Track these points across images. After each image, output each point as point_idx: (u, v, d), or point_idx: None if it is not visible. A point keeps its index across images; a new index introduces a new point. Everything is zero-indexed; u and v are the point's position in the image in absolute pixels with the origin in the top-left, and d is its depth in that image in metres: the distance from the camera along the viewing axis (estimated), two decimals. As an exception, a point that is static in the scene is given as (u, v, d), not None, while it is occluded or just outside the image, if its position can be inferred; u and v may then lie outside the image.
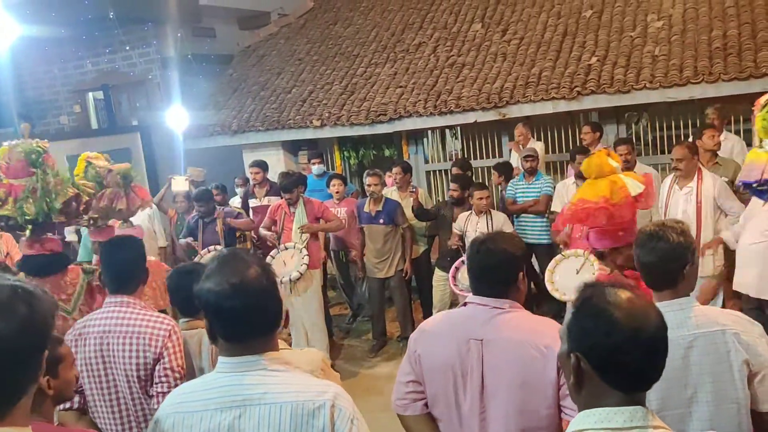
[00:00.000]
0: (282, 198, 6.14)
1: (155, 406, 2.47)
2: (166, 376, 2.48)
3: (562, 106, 7.06)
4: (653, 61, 6.86)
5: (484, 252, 2.23)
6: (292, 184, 5.92)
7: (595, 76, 6.95)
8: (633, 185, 3.49)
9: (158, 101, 11.36)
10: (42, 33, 9.90)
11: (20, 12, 8.80)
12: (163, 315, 2.57)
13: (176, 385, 2.42)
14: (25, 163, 3.31)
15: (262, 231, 6.27)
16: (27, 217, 3.21)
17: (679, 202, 5.09)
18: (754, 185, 3.74)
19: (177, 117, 8.61)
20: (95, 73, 12.21)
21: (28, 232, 3.32)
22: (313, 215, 5.97)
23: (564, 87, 6.98)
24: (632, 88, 6.66)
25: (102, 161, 3.78)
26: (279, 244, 5.91)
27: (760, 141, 3.74)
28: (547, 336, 2.11)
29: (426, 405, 2.28)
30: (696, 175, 5.03)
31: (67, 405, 2.55)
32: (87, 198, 3.51)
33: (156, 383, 2.49)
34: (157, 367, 2.48)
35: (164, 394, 2.45)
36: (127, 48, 11.62)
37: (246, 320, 1.59)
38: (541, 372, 2.08)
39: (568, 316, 1.46)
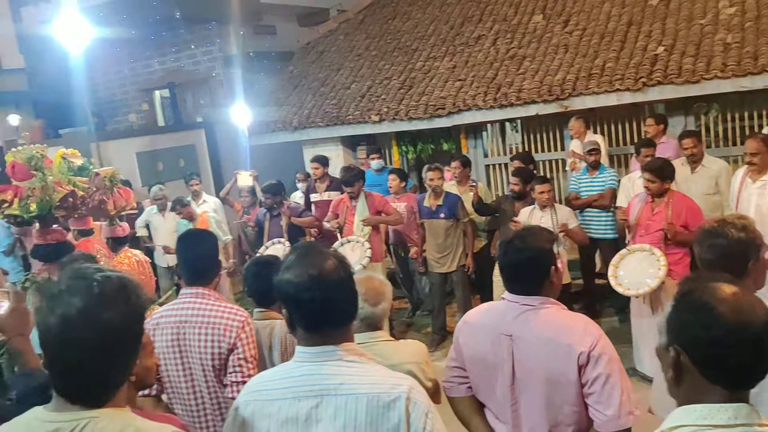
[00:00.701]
0: (342, 193, 6.23)
1: (229, 395, 2.56)
2: (240, 365, 2.56)
3: (627, 98, 6.87)
4: (725, 50, 6.59)
5: (512, 251, 2.29)
6: (353, 178, 6.02)
7: (661, 67, 6.73)
8: None
9: (221, 98, 11.67)
10: (114, 34, 10.31)
11: (95, 15, 9.21)
12: (237, 306, 2.66)
13: (249, 375, 2.52)
14: (27, 167, 3.70)
15: (326, 223, 6.36)
16: (32, 214, 3.61)
17: (752, 195, 4.91)
18: None
19: (240, 113, 8.84)
20: (162, 71, 12.63)
21: (37, 225, 3.75)
22: (374, 209, 6.04)
23: (629, 78, 6.79)
24: (702, 78, 6.42)
25: (80, 160, 4.07)
26: (341, 237, 6.00)
27: None
28: (573, 335, 2.15)
29: (469, 388, 2.41)
30: None
31: (146, 391, 2.67)
32: (82, 193, 3.87)
33: (230, 372, 2.57)
34: (231, 357, 2.56)
35: (238, 383, 2.54)
36: (192, 47, 11.98)
37: (324, 311, 1.63)
38: (563, 369, 2.13)
39: (667, 308, 1.44)
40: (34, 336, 1.59)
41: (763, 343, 1.33)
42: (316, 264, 1.64)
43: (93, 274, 1.42)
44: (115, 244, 4.87)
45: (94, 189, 3.95)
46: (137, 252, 4.90)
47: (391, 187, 6.78)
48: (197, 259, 2.69)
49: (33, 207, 3.61)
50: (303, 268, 1.64)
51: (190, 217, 6.92)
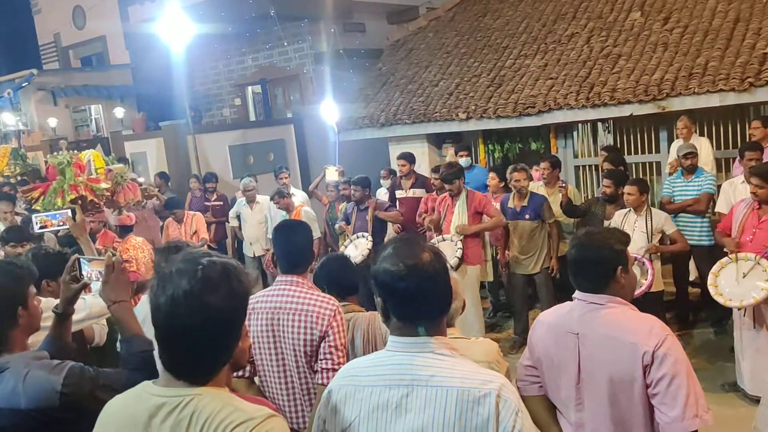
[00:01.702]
0: (429, 191, 6.22)
1: (319, 381, 2.63)
2: (330, 353, 2.63)
3: (731, 99, 6.51)
4: (843, 48, 6.14)
5: (580, 247, 2.32)
6: (452, 176, 5.92)
7: (771, 66, 6.35)
8: None
9: (311, 95, 11.94)
10: (212, 31, 10.76)
11: (195, 13, 9.64)
12: (328, 296, 2.73)
13: (339, 363, 2.58)
14: (56, 171, 4.56)
15: (424, 219, 6.33)
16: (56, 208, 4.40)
17: None
18: None
19: (329, 110, 9.02)
20: (254, 68, 13.06)
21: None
22: (473, 209, 5.92)
23: (734, 78, 6.44)
24: (816, 78, 6.01)
25: (100, 162, 4.89)
26: (437, 235, 5.97)
27: None
28: (637, 334, 2.15)
29: (541, 387, 2.42)
30: None
31: (239, 373, 2.78)
32: (91, 197, 4.63)
33: (321, 359, 2.64)
34: (322, 344, 2.63)
35: (327, 370, 2.61)
36: (284, 44, 12.31)
37: (418, 301, 1.65)
38: (626, 369, 2.13)
39: None
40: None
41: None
42: (413, 255, 1.66)
43: (200, 259, 1.50)
44: (122, 231, 5.72)
45: (108, 187, 4.75)
46: (139, 239, 5.72)
47: (489, 186, 6.73)
48: (293, 249, 2.78)
49: (56, 202, 4.44)
50: (400, 258, 1.66)
51: (287, 209, 7.13)
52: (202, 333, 1.45)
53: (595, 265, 2.27)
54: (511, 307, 6.84)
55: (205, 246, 6.88)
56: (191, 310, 1.44)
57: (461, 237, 5.78)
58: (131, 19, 12.56)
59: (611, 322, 2.20)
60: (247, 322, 2.75)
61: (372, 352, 2.78)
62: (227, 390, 1.54)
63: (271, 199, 7.24)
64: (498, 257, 6.62)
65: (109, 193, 4.80)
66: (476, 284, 6.06)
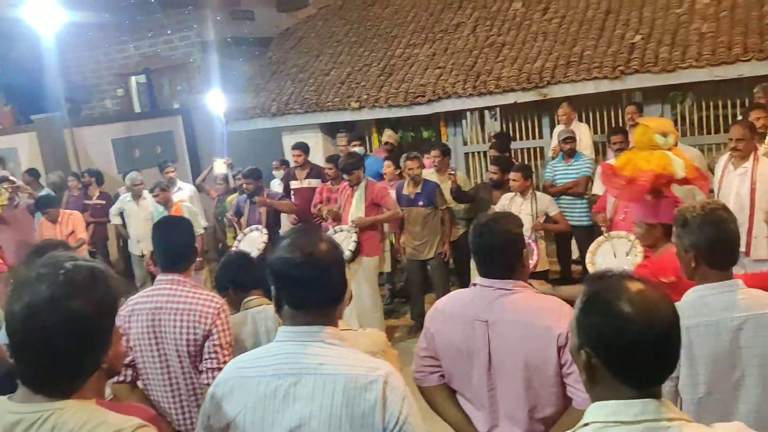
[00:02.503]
0: (324, 181, 6.17)
1: (204, 381, 2.55)
2: (215, 352, 2.55)
3: (605, 86, 6.92)
4: (700, 39, 6.67)
5: (487, 234, 2.29)
6: (352, 166, 5.87)
7: (639, 55, 6.79)
8: (680, 166, 3.45)
9: (199, 84, 11.53)
10: (87, 18, 10.11)
11: (66, -2, 8.99)
12: (212, 294, 2.65)
13: (224, 362, 2.51)
14: None
15: (320, 209, 6.28)
16: None
17: (733, 182, 4.94)
18: None
19: (217, 100, 8.74)
20: (138, 57, 12.43)
21: None
22: (371, 199, 5.90)
23: (606, 66, 6.84)
24: (677, 66, 6.49)
25: None
26: (333, 226, 5.92)
27: None
28: (549, 316, 2.17)
29: (442, 377, 2.40)
30: (752, 156, 4.87)
31: (121, 378, 2.65)
32: None
33: (205, 359, 2.56)
34: (206, 344, 2.55)
35: (213, 369, 2.53)
36: (169, 32, 11.79)
37: (310, 289, 1.67)
38: (542, 352, 2.15)
39: (576, 309, 1.42)
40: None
41: (668, 340, 1.33)
42: (310, 244, 1.69)
43: (63, 262, 1.38)
44: None
45: None
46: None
47: (385, 174, 6.75)
48: (173, 246, 2.66)
49: None
50: (296, 247, 1.68)
51: (165, 203, 6.85)
52: (64, 342, 1.34)
53: (503, 251, 2.26)
54: (407, 293, 6.95)
55: (83, 246, 6.49)
56: (52, 317, 1.32)
57: (357, 229, 5.77)
58: (-5, 4, 11.57)
59: (521, 307, 2.21)
60: (126, 324, 2.64)
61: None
62: (94, 402, 1.43)
63: (151, 190, 6.94)
64: (395, 245, 6.71)
65: None
66: (374, 275, 6.09)
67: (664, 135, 3.56)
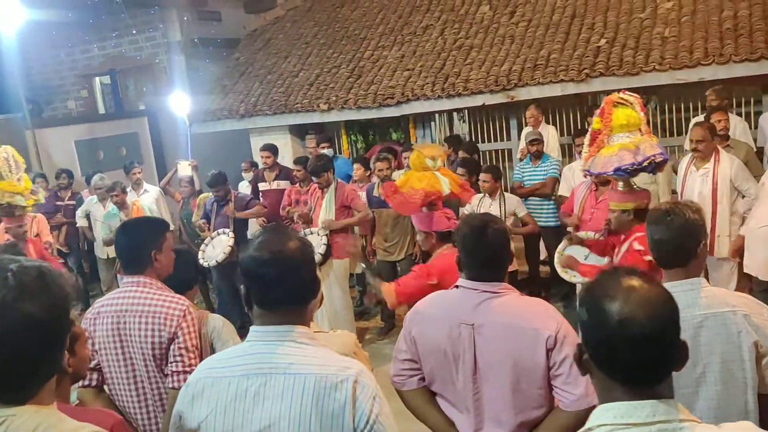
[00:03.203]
0: (293, 183, 6.13)
1: (170, 385, 2.51)
2: (181, 355, 2.51)
3: (571, 89, 7.02)
4: (663, 43, 6.81)
5: (484, 238, 2.26)
6: (321, 168, 5.82)
7: (604, 59, 6.91)
8: (446, 184, 4.07)
9: (165, 85, 11.34)
10: (49, 17, 9.90)
11: (27, -5, 8.78)
12: (178, 296, 2.60)
13: (191, 365, 2.47)
14: None
15: (291, 212, 6.22)
16: None
17: (696, 183, 5.06)
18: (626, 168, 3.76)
19: (183, 101, 8.62)
20: (102, 57, 12.20)
21: None
22: (341, 202, 5.87)
23: (572, 69, 6.94)
24: (641, 70, 6.62)
25: None
26: (304, 228, 5.88)
27: (608, 137, 3.92)
28: (536, 319, 2.17)
29: (422, 380, 2.37)
30: (713, 157, 4.99)
31: (86, 382, 2.60)
32: None
33: (171, 362, 2.52)
34: (171, 347, 2.51)
35: (179, 372, 2.49)
36: (134, 32, 11.59)
37: (278, 288, 1.66)
38: (530, 355, 2.14)
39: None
40: None
41: (653, 339, 1.28)
42: (279, 242, 1.69)
43: (8, 264, 1.32)
44: None
45: None
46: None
47: (355, 176, 6.75)
48: (134, 248, 2.61)
49: None
50: (265, 245, 1.68)
51: (121, 205, 6.73)
52: (17, 346, 1.28)
53: (497, 254, 2.26)
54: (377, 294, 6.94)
55: (50, 248, 6.33)
56: (3, 321, 1.26)
57: (327, 232, 5.74)
58: (-49, 1, 11.24)
59: (508, 310, 2.20)
60: (92, 328, 2.59)
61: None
62: (52, 407, 1.37)
63: (108, 191, 6.82)
64: (366, 247, 6.70)
65: None
66: (345, 277, 6.06)
67: (434, 159, 4.19)
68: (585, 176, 4.80)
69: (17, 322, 1.27)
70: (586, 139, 4.24)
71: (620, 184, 3.87)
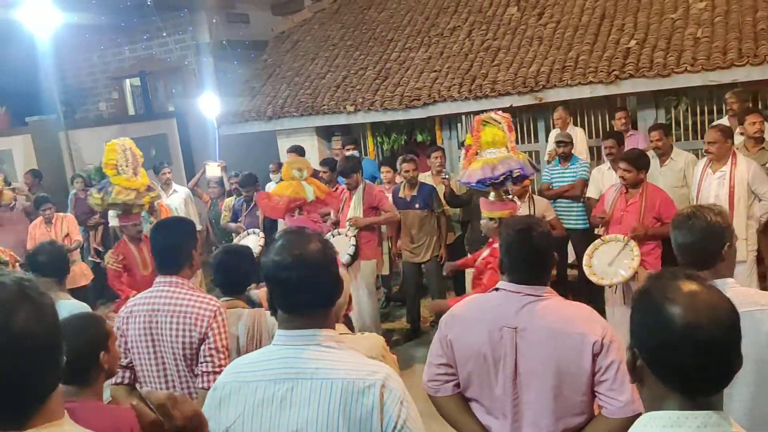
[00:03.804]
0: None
1: (200, 385, 2.54)
2: (211, 355, 2.53)
3: (600, 91, 6.94)
4: (695, 44, 6.70)
5: (529, 241, 2.22)
6: (349, 170, 5.85)
7: (633, 60, 6.82)
8: (310, 191, 4.99)
9: (194, 87, 11.50)
10: (82, 20, 10.08)
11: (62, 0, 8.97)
12: (209, 296, 2.63)
13: (221, 365, 2.49)
14: None
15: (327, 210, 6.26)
16: None
17: (712, 186, 5.00)
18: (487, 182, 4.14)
19: (211, 103, 8.72)
20: (133, 60, 12.40)
21: None
22: (369, 203, 5.88)
23: (602, 71, 6.86)
24: (672, 71, 6.51)
25: None
26: (335, 228, 5.91)
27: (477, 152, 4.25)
28: (582, 324, 2.12)
29: (457, 386, 2.30)
30: (730, 160, 4.93)
31: (119, 380, 2.64)
32: None
33: (201, 362, 2.55)
34: (202, 347, 2.54)
35: (208, 373, 2.52)
36: (164, 35, 11.77)
37: (301, 291, 1.64)
38: (575, 360, 2.09)
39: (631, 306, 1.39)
40: None
41: (716, 347, 1.23)
42: (300, 245, 1.66)
43: None
44: None
45: None
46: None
47: (383, 178, 6.78)
48: (173, 248, 2.65)
49: None
50: (286, 248, 1.66)
51: (150, 209, 6.83)
52: (10, 366, 1.16)
53: (542, 257, 2.22)
54: (403, 296, 6.94)
55: (78, 249, 6.46)
56: None
57: (355, 233, 5.76)
58: (-11, 5, 11.52)
59: (552, 314, 2.15)
60: (125, 326, 2.63)
61: (256, 349, 2.71)
62: (59, 423, 1.24)
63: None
64: (392, 249, 6.70)
65: None
66: (372, 278, 6.07)
67: (300, 170, 5.06)
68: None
69: (7, 341, 1.16)
70: (462, 152, 4.69)
71: (492, 194, 4.23)
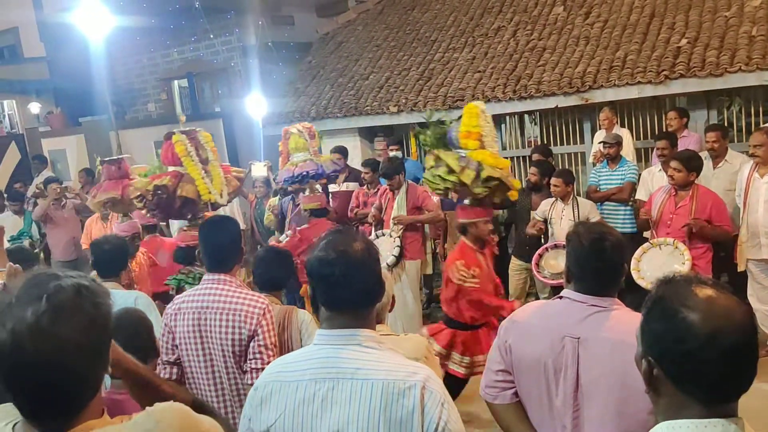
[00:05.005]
0: (362, 184, 6.18)
1: (249, 382, 2.57)
2: (260, 352, 2.57)
3: (648, 91, 6.78)
4: (750, 42, 6.49)
5: (600, 250, 2.11)
6: (392, 171, 5.87)
7: (684, 59, 6.64)
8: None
9: (239, 88, 11.69)
10: (133, 23, 10.35)
11: (115, 3, 9.25)
12: (258, 294, 2.67)
13: (269, 362, 2.52)
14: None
15: (368, 211, 6.28)
16: None
17: (760, 191, 4.84)
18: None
19: (257, 104, 8.84)
20: (180, 61, 12.67)
21: None
22: (412, 203, 5.88)
23: (650, 71, 6.71)
24: (726, 71, 6.32)
25: None
26: (376, 230, 5.92)
27: None
28: None
29: (515, 394, 2.23)
30: None
31: (167, 376, 2.70)
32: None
33: (250, 359, 2.58)
34: (251, 344, 2.57)
35: (257, 370, 2.54)
36: (211, 37, 11.99)
37: (343, 287, 1.65)
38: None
39: (642, 314, 1.35)
40: None
41: (740, 352, 1.21)
42: (344, 243, 1.69)
43: (47, 283, 1.22)
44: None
45: None
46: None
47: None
48: (218, 246, 2.70)
49: None
50: (330, 246, 1.69)
51: None
52: (55, 373, 1.18)
53: (611, 268, 2.13)
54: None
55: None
56: (39, 346, 1.16)
57: (399, 233, 5.75)
58: (45, 9, 11.95)
59: (618, 325, 2.04)
60: (173, 323, 2.69)
61: (284, 345, 2.75)
62: (100, 422, 1.27)
63: None
64: (437, 250, 6.68)
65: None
66: (417, 278, 6.06)
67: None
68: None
69: (51, 344, 1.18)
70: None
71: (307, 190, 5.39)
